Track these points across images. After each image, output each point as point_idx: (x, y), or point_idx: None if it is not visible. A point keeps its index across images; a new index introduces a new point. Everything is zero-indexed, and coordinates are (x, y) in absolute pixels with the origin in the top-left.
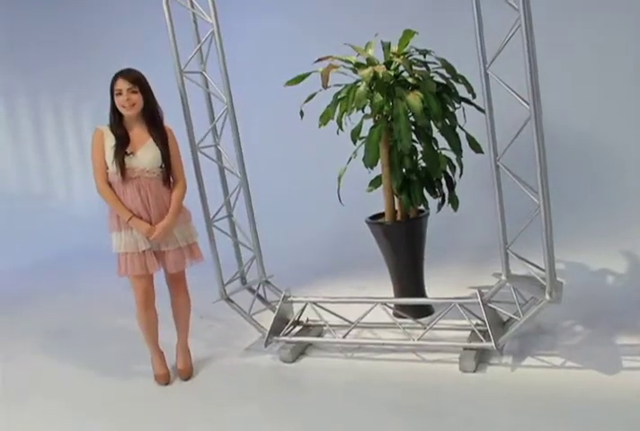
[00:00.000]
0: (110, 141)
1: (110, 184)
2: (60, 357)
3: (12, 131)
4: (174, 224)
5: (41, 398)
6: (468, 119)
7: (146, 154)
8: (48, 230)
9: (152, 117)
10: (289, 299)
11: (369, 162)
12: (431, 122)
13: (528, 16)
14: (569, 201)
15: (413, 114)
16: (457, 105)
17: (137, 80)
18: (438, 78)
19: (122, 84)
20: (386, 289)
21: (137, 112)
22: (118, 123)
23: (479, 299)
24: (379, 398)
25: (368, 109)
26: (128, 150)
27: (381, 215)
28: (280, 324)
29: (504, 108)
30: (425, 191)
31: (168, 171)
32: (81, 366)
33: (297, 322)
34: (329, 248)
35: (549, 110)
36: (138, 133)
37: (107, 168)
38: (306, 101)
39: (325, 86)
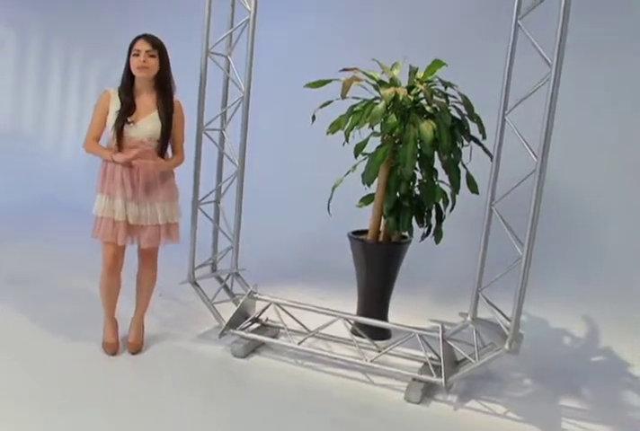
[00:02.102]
0: (115, 105)
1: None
2: (12, 307)
3: (18, 74)
4: (158, 169)
5: None
6: (472, 159)
7: (146, 125)
8: (30, 175)
9: (163, 87)
10: (255, 295)
11: (368, 180)
12: (437, 154)
13: (559, 74)
14: (547, 256)
15: (421, 142)
16: (465, 143)
17: (157, 46)
18: (454, 112)
19: (142, 45)
20: (347, 304)
21: (150, 78)
22: (128, 87)
23: (440, 334)
24: (314, 409)
25: (378, 128)
26: (130, 118)
27: (364, 232)
28: (239, 318)
29: (510, 153)
30: (414, 219)
31: (164, 146)
32: (31, 320)
33: (256, 320)
34: (305, 253)
35: (554, 166)
36: (146, 102)
37: (104, 130)
38: (321, 107)
39: (344, 96)
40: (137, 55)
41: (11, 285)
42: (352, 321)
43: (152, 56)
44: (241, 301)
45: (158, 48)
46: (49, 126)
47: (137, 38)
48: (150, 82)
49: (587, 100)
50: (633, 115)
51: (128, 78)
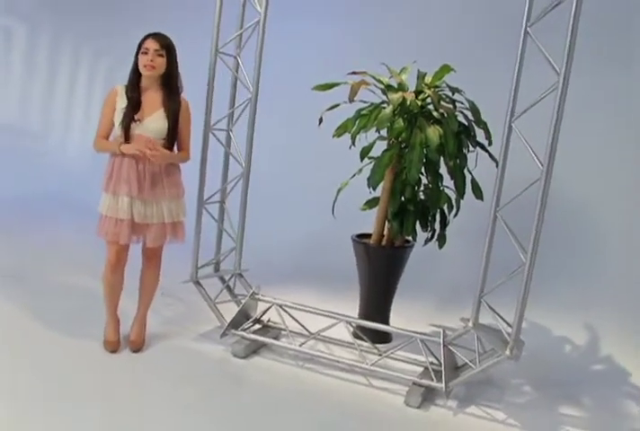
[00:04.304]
0: (122, 102)
1: None
2: (13, 303)
3: (27, 70)
4: (166, 159)
5: None
6: (478, 165)
7: (152, 123)
8: (36, 171)
9: (170, 86)
10: (257, 296)
11: (374, 183)
12: (442, 159)
13: (567, 82)
14: (550, 263)
15: (427, 147)
16: (472, 148)
17: (166, 45)
18: (461, 118)
19: (151, 44)
20: (349, 307)
21: (156, 77)
22: (135, 85)
23: (441, 339)
24: (312, 413)
25: (384, 132)
26: (137, 116)
27: (368, 235)
28: (241, 318)
29: (516, 160)
30: (417, 224)
31: (171, 144)
32: (31, 316)
33: (257, 320)
34: (309, 255)
35: (558, 173)
36: (152, 100)
37: (113, 128)
38: (328, 110)
39: (352, 100)
40: (146, 53)
41: (13, 282)
42: (354, 324)
43: (160, 55)
44: (243, 301)
45: (167, 47)
46: (56, 123)
47: (147, 36)
48: (157, 80)
49: (594, 108)
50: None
51: (136, 76)
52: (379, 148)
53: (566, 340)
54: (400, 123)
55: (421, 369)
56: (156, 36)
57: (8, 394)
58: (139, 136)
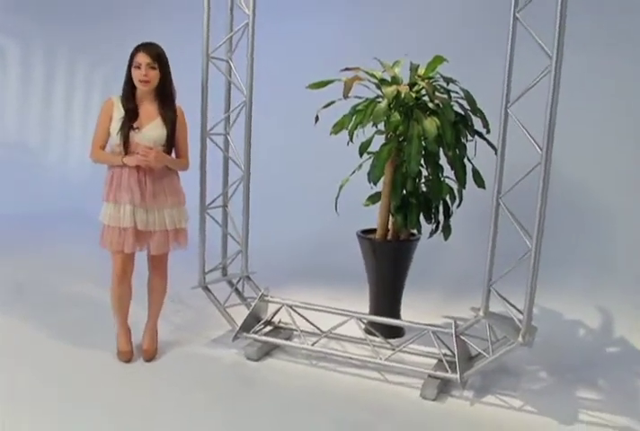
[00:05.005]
0: (118, 112)
1: None
2: (23, 315)
3: (23, 83)
4: (166, 160)
5: None
6: (477, 153)
7: (151, 132)
8: (36, 185)
9: (165, 95)
10: (267, 298)
11: (374, 178)
12: (441, 150)
13: (559, 65)
14: (557, 247)
15: (426, 139)
16: (470, 137)
17: (158, 56)
18: (457, 108)
19: (143, 58)
20: (360, 304)
21: (151, 88)
22: (130, 95)
23: (453, 330)
24: (329, 410)
25: (381, 126)
26: (135, 125)
27: (373, 230)
28: (251, 321)
29: (515, 147)
30: (421, 216)
31: (169, 152)
32: (42, 328)
33: (268, 322)
34: (315, 254)
35: (558, 158)
36: (148, 109)
37: (108, 138)
38: (324, 107)
39: (346, 96)
40: (139, 67)
41: (21, 295)
42: (365, 321)
43: (153, 68)
44: (253, 304)
45: (158, 58)
46: (55, 136)
47: (138, 49)
48: (152, 91)
49: (589, 89)
50: (636, 101)
51: (130, 87)
52: (378, 143)
53: (579, 324)
54: (396, 116)
55: (434, 361)
56: (146, 48)
57: (24, 406)
58: (137, 144)
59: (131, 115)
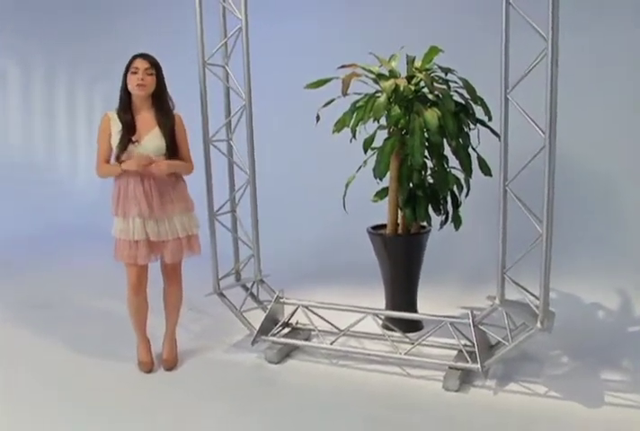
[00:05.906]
0: (116, 126)
1: None
2: (41, 330)
3: (25, 101)
4: (169, 169)
5: (15, 371)
6: (481, 141)
7: (150, 143)
8: (47, 203)
9: (161, 104)
10: (282, 300)
11: (379, 174)
12: (445, 140)
13: (556, 47)
14: (570, 232)
15: (428, 130)
16: (472, 126)
17: (155, 64)
18: (457, 97)
19: (141, 64)
20: (376, 300)
21: (147, 96)
22: (126, 106)
23: (470, 320)
24: (354, 408)
25: (383, 121)
26: (134, 138)
27: (383, 226)
28: (269, 324)
29: (519, 133)
30: (430, 208)
31: (172, 159)
32: (61, 343)
33: (286, 324)
34: (327, 253)
35: (563, 140)
36: (145, 119)
37: (112, 153)
38: (324, 106)
39: (345, 93)
40: (136, 73)
41: (37, 310)
42: (382, 316)
43: (150, 74)
44: (269, 307)
45: (155, 66)
46: (61, 153)
47: (135, 57)
48: (148, 99)
49: (587, 68)
50: (636, 77)
51: (126, 96)
52: (381, 138)
53: (597, 306)
54: (397, 110)
55: (455, 352)
56: (144, 56)
57: (51, 419)
58: (139, 154)
59: (129, 127)
